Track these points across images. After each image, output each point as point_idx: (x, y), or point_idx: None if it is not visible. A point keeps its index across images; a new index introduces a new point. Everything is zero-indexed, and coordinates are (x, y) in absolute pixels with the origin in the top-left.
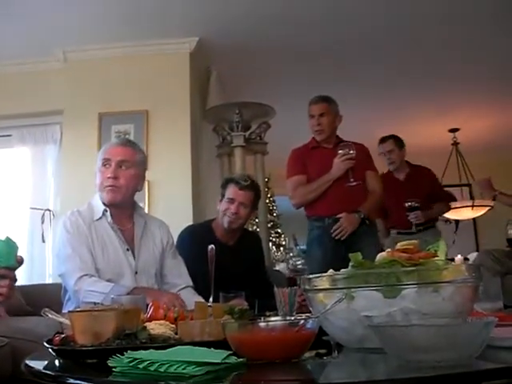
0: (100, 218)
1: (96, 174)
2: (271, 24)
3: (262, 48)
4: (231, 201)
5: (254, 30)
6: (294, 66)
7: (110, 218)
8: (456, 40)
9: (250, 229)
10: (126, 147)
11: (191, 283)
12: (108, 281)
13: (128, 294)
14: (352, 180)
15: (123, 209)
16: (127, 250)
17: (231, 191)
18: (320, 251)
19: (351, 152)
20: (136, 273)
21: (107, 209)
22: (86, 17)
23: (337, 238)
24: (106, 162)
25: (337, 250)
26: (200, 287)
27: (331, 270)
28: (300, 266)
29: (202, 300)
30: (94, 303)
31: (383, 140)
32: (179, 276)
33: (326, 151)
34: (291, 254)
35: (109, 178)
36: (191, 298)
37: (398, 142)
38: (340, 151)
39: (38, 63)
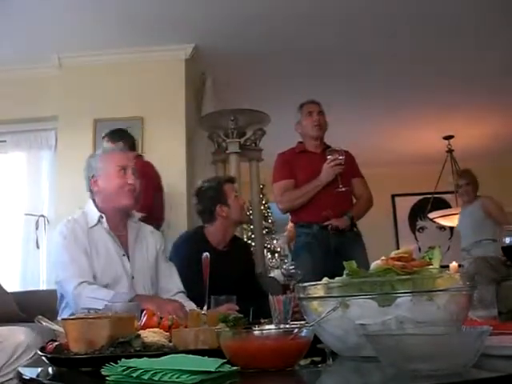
0: (95, 224)
1: (103, 180)
2: (267, 31)
3: (258, 55)
4: (237, 196)
5: (250, 37)
6: (289, 73)
7: (106, 225)
8: (452, 49)
9: (245, 235)
10: (128, 155)
11: (182, 288)
12: (105, 286)
13: (131, 301)
14: (341, 186)
15: (123, 215)
16: (123, 255)
17: (231, 189)
18: (309, 259)
19: (340, 157)
20: (133, 278)
21: (103, 215)
22: (82, 23)
23: (331, 228)
24: (122, 169)
25: (326, 257)
26: (194, 294)
27: (326, 278)
28: (293, 271)
29: (194, 306)
30: (96, 310)
31: None
32: (171, 281)
33: (313, 156)
34: (285, 261)
35: (130, 184)
36: (184, 305)
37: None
38: (329, 156)
39: (34, 69)
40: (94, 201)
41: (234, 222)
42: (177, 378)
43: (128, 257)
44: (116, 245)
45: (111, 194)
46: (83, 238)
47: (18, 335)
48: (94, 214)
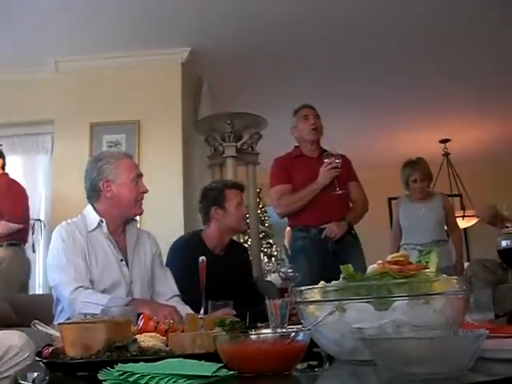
0: (94, 228)
1: (119, 187)
2: (263, 35)
3: (254, 58)
4: (241, 204)
5: (246, 40)
6: (286, 77)
7: (105, 229)
8: (446, 53)
9: (242, 239)
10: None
11: (177, 292)
12: (103, 291)
13: (126, 305)
14: (338, 189)
15: (123, 220)
16: (121, 260)
17: (233, 195)
18: (306, 262)
19: (337, 161)
20: (131, 283)
21: (103, 219)
22: (78, 27)
23: (328, 236)
24: (137, 178)
25: (324, 261)
26: (191, 298)
27: (322, 282)
28: (291, 274)
29: (190, 310)
30: (92, 315)
31: None
32: (166, 285)
33: (310, 160)
34: (284, 264)
35: (143, 192)
36: (180, 308)
37: None
38: (326, 160)
39: (30, 73)
40: (92, 204)
41: (230, 229)
42: (174, 382)
43: (126, 262)
44: (115, 250)
45: (125, 202)
46: (82, 242)
47: (11, 338)
48: (93, 217)
